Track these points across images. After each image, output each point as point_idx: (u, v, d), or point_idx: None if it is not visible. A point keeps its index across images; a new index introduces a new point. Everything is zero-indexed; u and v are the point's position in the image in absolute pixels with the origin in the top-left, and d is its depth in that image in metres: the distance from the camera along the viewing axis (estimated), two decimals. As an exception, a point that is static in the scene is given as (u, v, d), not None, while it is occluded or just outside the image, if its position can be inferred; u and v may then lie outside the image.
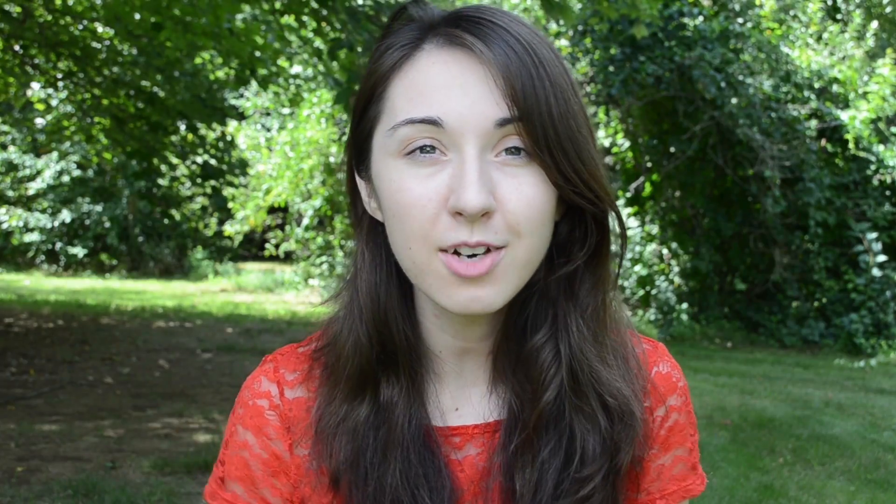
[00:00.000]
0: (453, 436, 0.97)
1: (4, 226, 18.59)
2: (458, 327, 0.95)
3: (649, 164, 12.04)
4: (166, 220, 19.85)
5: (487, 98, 0.83)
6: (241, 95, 17.15)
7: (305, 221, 15.66)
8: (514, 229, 0.85)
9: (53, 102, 10.81)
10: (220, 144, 11.64)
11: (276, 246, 17.28)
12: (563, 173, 0.85)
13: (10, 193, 19.03)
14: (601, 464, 0.93)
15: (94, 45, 8.36)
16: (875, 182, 10.93)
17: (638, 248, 11.92)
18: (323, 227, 15.94)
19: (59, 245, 19.03)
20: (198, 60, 9.11)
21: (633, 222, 11.94)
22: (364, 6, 5.82)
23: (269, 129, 17.85)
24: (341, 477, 0.94)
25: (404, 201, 0.85)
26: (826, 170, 10.95)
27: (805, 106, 10.93)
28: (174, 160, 11.28)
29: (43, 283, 16.28)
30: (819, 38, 12.18)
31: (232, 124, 15.47)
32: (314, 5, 6.17)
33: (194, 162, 11.09)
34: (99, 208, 18.93)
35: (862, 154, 10.73)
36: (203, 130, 10.58)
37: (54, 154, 18.20)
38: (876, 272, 10.45)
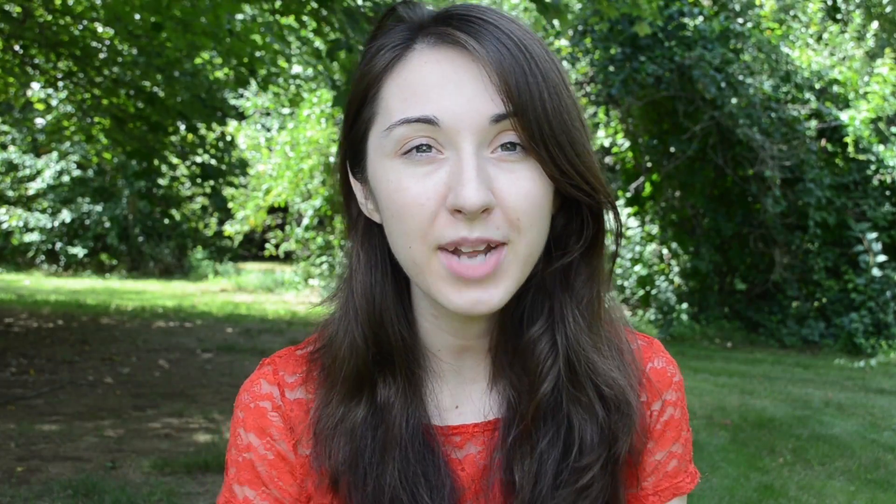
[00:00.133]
0: (454, 435, 0.98)
1: (4, 226, 18.59)
2: (457, 326, 0.95)
3: (649, 164, 12.04)
4: (166, 220, 19.85)
5: (482, 94, 0.83)
6: (241, 95, 17.14)
7: (305, 221, 15.66)
8: (514, 224, 0.85)
9: (53, 102, 10.81)
10: (220, 144, 11.65)
11: (276, 246, 17.28)
12: (559, 166, 0.86)
13: (10, 193, 19.03)
14: (599, 453, 0.93)
15: (94, 45, 8.36)
16: (875, 182, 10.93)
17: (638, 248, 11.92)
18: (323, 227, 15.94)
19: (59, 245, 19.03)
20: (197, 61, 9.11)
21: (633, 222, 11.94)
22: (363, 7, 5.82)
23: (269, 129, 17.85)
24: (340, 478, 0.94)
25: (403, 201, 0.85)
26: (826, 170, 10.95)
27: (805, 106, 10.93)
28: (174, 160, 11.29)
29: (43, 283, 16.28)
30: (819, 39, 12.18)
31: (232, 124, 15.48)
32: (314, 5, 6.17)
33: (194, 162, 11.10)
34: (99, 208, 18.93)
35: (861, 157, 10.73)
36: (203, 130, 10.58)
37: (54, 154, 18.21)
38: (876, 272, 10.46)
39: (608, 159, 12.51)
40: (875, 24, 13.39)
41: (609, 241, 0.97)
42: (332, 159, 15.22)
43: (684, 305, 11.73)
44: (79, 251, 18.91)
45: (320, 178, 15.17)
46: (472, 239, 0.84)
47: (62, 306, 12.20)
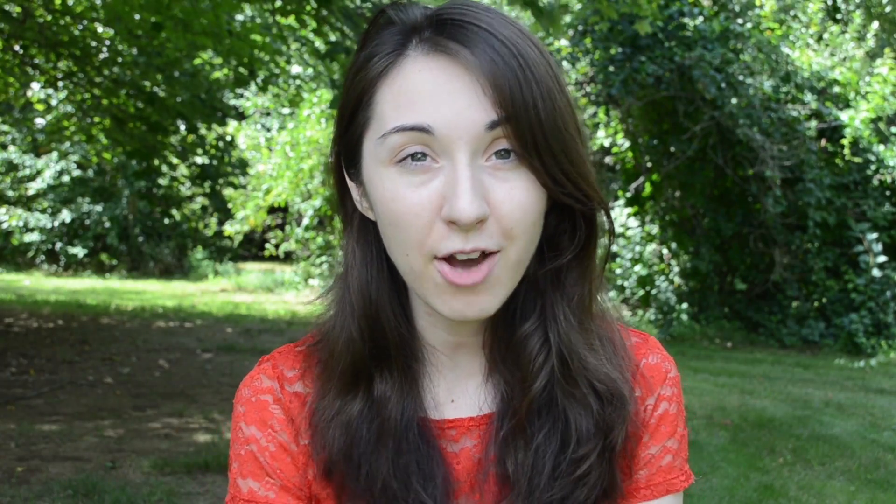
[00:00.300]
0: (449, 428, 0.99)
1: (4, 226, 18.59)
2: (452, 324, 0.96)
3: (649, 164, 12.04)
4: (166, 220, 19.85)
5: (475, 104, 0.83)
6: (241, 95, 17.15)
7: (305, 221, 15.66)
8: (508, 234, 0.86)
9: (53, 102, 10.82)
10: (220, 144, 11.65)
11: (276, 246, 17.28)
12: (552, 175, 0.87)
13: (10, 193, 19.03)
14: (596, 443, 0.94)
15: (94, 45, 8.36)
16: (875, 182, 10.93)
17: (638, 248, 11.92)
18: (323, 227, 15.94)
19: (59, 245, 19.03)
20: (197, 61, 9.12)
21: (633, 222, 11.94)
22: (362, 8, 5.82)
23: (269, 129, 17.85)
24: (334, 468, 0.95)
25: (399, 210, 0.86)
26: (826, 170, 10.95)
27: (805, 106, 10.94)
28: (174, 160, 11.29)
29: (43, 283, 16.28)
30: (819, 39, 12.18)
31: (232, 124, 15.48)
32: (313, 5, 6.17)
33: (193, 163, 11.11)
34: (99, 208, 18.93)
35: (857, 159, 10.73)
36: (203, 130, 10.58)
37: (54, 154, 18.21)
38: (876, 272, 10.46)
39: (608, 159, 12.51)
40: (875, 25, 13.39)
41: (602, 239, 0.98)
42: (331, 158, 15.12)
43: (684, 305, 11.73)
44: (79, 251, 18.91)
45: (320, 178, 15.18)
46: (468, 249, 0.85)
47: (62, 306, 12.20)
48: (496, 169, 0.86)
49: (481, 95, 0.83)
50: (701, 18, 10.82)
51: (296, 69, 11.91)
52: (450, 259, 0.86)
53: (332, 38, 6.75)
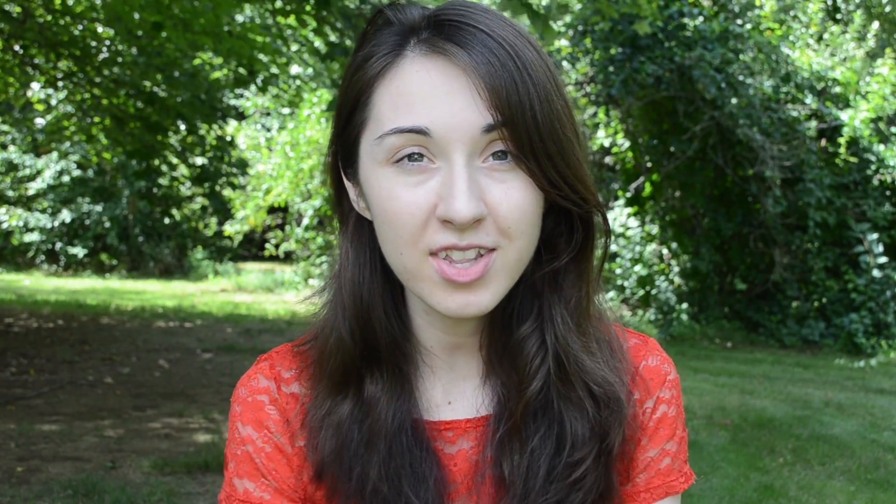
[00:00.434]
0: (446, 430, 0.98)
1: (4, 226, 18.59)
2: (449, 324, 0.96)
3: (649, 164, 12.04)
4: (166, 220, 19.85)
5: (472, 106, 0.83)
6: (241, 95, 17.15)
7: (305, 221, 15.66)
8: (505, 233, 0.86)
9: (53, 102, 10.82)
10: (219, 144, 11.65)
11: (276, 246, 17.28)
12: (549, 178, 0.87)
13: (10, 193, 19.03)
14: (592, 447, 0.94)
15: (94, 45, 8.36)
16: (875, 182, 10.93)
17: (638, 248, 11.92)
18: (323, 227, 15.94)
19: (59, 245, 19.03)
20: (197, 61, 9.12)
21: (633, 222, 11.93)
22: (362, 8, 5.82)
23: (269, 129, 17.86)
24: (326, 469, 0.95)
25: (394, 209, 0.86)
26: (826, 170, 10.95)
27: (805, 106, 10.94)
28: (174, 160, 11.29)
29: (43, 283, 16.28)
30: (819, 39, 12.18)
31: (232, 124, 15.48)
32: (313, 4, 6.17)
33: (193, 164, 11.10)
34: (99, 208, 18.93)
35: (853, 159, 10.74)
36: (203, 131, 10.58)
37: (54, 154, 18.21)
38: (876, 272, 10.46)
39: (608, 159, 12.51)
40: (875, 25, 13.39)
41: (600, 241, 0.97)
42: (328, 158, 15.09)
43: (684, 305, 11.73)
44: (79, 251, 18.91)
45: (320, 178, 15.18)
46: (463, 245, 0.85)
47: (62, 306, 12.20)
48: (493, 170, 0.86)
49: (478, 98, 0.83)
50: (701, 19, 10.82)
51: (295, 69, 11.91)
52: (445, 257, 0.86)
53: (332, 37, 6.75)
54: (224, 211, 19.26)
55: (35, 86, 10.34)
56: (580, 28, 11.48)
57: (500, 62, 0.83)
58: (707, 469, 4.92)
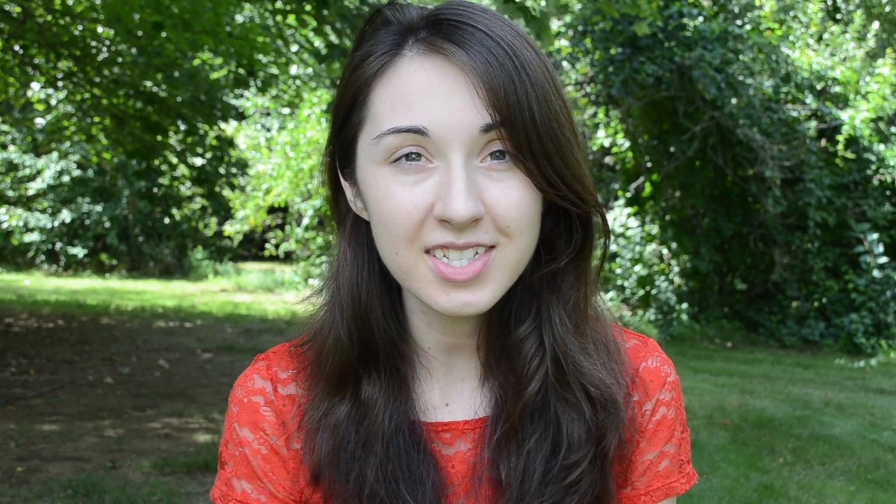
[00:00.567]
0: (443, 431, 0.98)
1: (4, 226, 18.58)
2: (447, 324, 0.96)
3: (649, 164, 12.04)
4: (166, 220, 19.85)
5: (470, 106, 0.83)
6: (241, 95, 17.15)
7: (305, 221, 15.66)
8: (504, 231, 0.86)
9: (53, 102, 10.81)
10: (219, 144, 11.64)
11: (276, 246, 17.28)
12: (547, 178, 0.86)
13: (10, 193, 19.03)
14: (588, 449, 0.94)
15: (94, 45, 8.36)
16: (875, 182, 10.93)
17: (638, 248, 11.91)
18: (323, 227, 15.93)
19: (59, 245, 19.03)
20: (196, 62, 9.12)
21: (633, 222, 11.93)
22: (361, 9, 5.82)
23: (269, 129, 17.85)
24: (323, 472, 0.95)
25: (390, 208, 0.85)
26: (826, 170, 10.95)
27: (805, 106, 10.94)
28: (174, 160, 11.29)
29: (43, 283, 16.28)
30: (819, 39, 12.18)
31: (232, 125, 15.47)
32: (312, 4, 6.17)
33: (192, 165, 11.09)
34: (99, 208, 18.93)
35: (851, 156, 10.73)
36: (203, 130, 10.58)
37: (54, 154, 18.21)
38: (876, 273, 10.45)
39: (608, 159, 12.51)
40: (876, 25, 13.39)
41: (599, 242, 0.97)
42: (326, 158, 15.07)
43: (684, 305, 11.73)
44: (79, 251, 18.90)
45: (320, 178, 15.13)
46: (460, 244, 0.84)
47: (62, 306, 12.20)
48: (491, 169, 0.85)
49: (476, 97, 0.83)
50: (701, 19, 10.82)
51: (295, 69, 11.91)
52: (443, 256, 0.86)
53: (332, 37, 6.75)
54: (225, 211, 19.25)
55: (35, 86, 10.34)
56: (580, 28, 11.47)
57: (498, 62, 0.83)
58: (707, 469, 4.91)
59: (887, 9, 16.09)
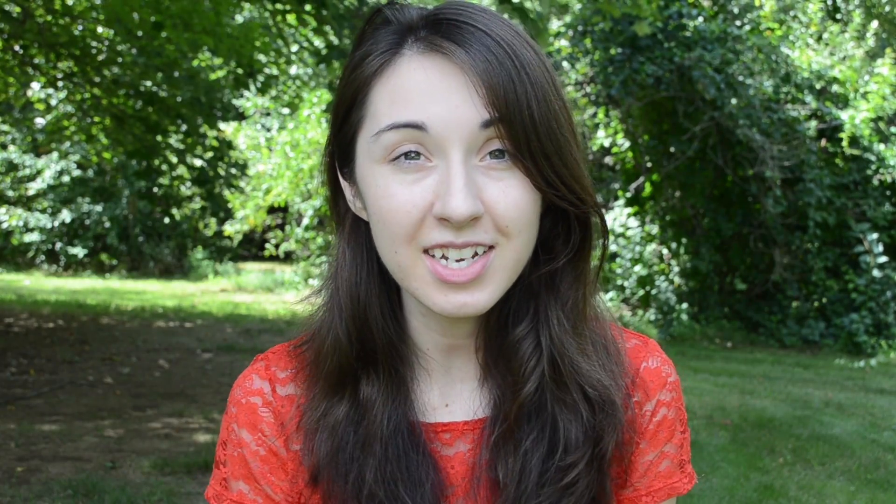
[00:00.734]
0: (443, 432, 0.98)
1: (4, 226, 18.58)
2: (445, 325, 0.96)
3: (649, 164, 12.04)
4: (166, 220, 19.84)
5: (469, 103, 0.83)
6: (242, 95, 17.15)
7: (305, 221, 15.66)
8: (503, 231, 0.86)
9: (53, 102, 10.81)
10: (219, 145, 11.63)
11: (276, 246, 17.28)
12: (546, 177, 0.86)
13: (10, 193, 19.02)
14: (584, 451, 0.93)
15: (94, 45, 8.36)
16: (875, 182, 10.94)
17: (638, 248, 11.92)
18: (323, 227, 15.92)
19: (59, 245, 19.02)
20: (196, 62, 9.12)
21: (633, 222, 11.93)
22: (361, 10, 5.82)
23: (269, 130, 17.85)
24: (321, 472, 0.94)
25: (389, 207, 0.85)
26: (826, 170, 10.95)
27: (805, 106, 10.94)
28: (174, 160, 11.29)
29: (43, 283, 16.28)
30: (819, 39, 12.18)
31: (232, 125, 15.47)
32: (311, 6, 6.17)
33: (192, 166, 11.09)
34: (99, 208, 18.92)
35: (856, 152, 10.73)
36: (203, 129, 10.58)
37: (54, 154, 18.21)
38: (876, 272, 10.46)
39: (608, 159, 12.51)
40: (875, 24, 13.39)
41: (598, 242, 0.97)
42: (325, 159, 15.04)
43: (684, 305, 11.73)
44: (79, 251, 18.90)
45: (320, 178, 15.13)
46: (459, 243, 0.84)
47: (62, 306, 12.20)
48: (490, 168, 0.85)
49: (475, 95, 0.83)
50: (700, 19, 10.82)
51: (294, 69, 11.91)
52: (441, 257, 0.86)
53: (332, 36, 6.75)
54: (225, 211, 19.25)
55: (35, 86, 10.34)
56: (580, 28, 11.47)
57: (497, 60, 0.83)
58: (707, 469, 4.91)
59: (887, 8, 16.09)
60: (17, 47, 8.57)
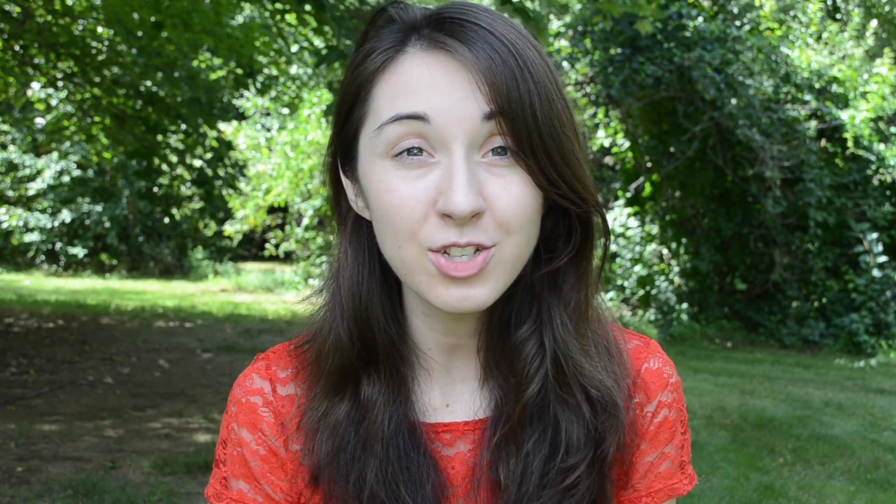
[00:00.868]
0: (444, 432, 0.98)
1: (4, 226, 18.58)
2: (447, 324, 0.96)
3: (649, 165, 12.04)
4: (166, 220, 19.85)
5: (471, 97, 0.84)
6: (242, 95, 17.16)
7: (305, 221, 15.67)
8: (505, 227, 0.86)
9: (53, 102, 10.81)
10: (218, 146, 11.63)
11: (276, 246, 17.28)
12: (547, 176, 0.86)
13: (10, 193, 19.03)
14: (586, 453, 0.93)
15: (94, 45, 8.36)
16: (875, 182, 10.94)
17: (638, 248, 11.92)
18: (323, 227, 15.93)
19: (59, 245, 19.03)
20: (195, 63, 9.12)
21: (633, 222, 11.93)
22: (361, 9, 5.82)
23: (269, 130, 17.86)
24: (322, 473, 0.94)
25: (392, 203, 0.85)
26: (826, 170, 10.95)
27: (805, 106, 10.94)
28: (174, 159, 11.28)
29: (43, 283, 16.28)
30: (819, 38, 12.18)
31: (232, 125, 15.46)
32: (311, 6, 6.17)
33: (191, 166, 11.09)
34: (99, 208, 18.93)
35: (861, 152, 10.73)
36: (203, 129, 10.57)
37: (54, 154, 18.20)
38: (876, 272, 10.46)
39: (608, 159, 12.51)
40: (874, 23, 13.39)
41: (599, 243, 0.97)
42: (328, 158, 15.06)
43: (684, 305, 11.73)
44: (79, 251, 18.90)
45: (320, 178, 15.17)
46: (462, 243, 0.84)
47: (62, 306, 12.20)
48: (492, 165, 0.86)
49: (478, 91, 0.83)
50: (700, 19, 10.82)
51: (294, 69, 11.91)
52: (444, 254, 0.86)
53: (331, 35, 6.75)
54: (224, 211, 19.24)
55: (35, 86, 10.34)
56: (580, 28, 11.48)
57: (501, 59, 0.84)
58: (707, 469, 4.91)
59: (886, 8, 16.09)
60: (17, 47, 8.57)
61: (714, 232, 11.76)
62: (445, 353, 0.98)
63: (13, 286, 15.27)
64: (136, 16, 6.97)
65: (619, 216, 11.98)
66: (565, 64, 11.63)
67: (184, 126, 9.65)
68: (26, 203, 19.08)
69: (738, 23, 11.22)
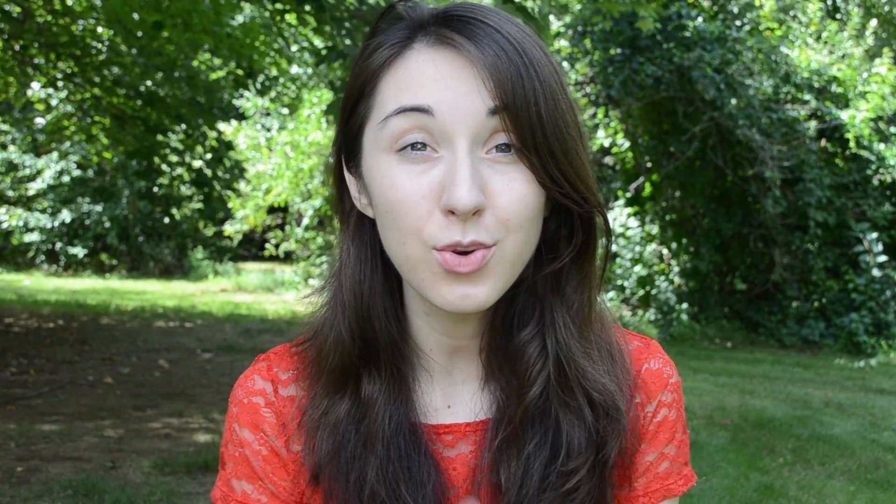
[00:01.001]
0: (445, 433, 0.98)
1: (4, 226, 18.58)
2: (449, 325, 0.95)
3: (649, 165, 12.04)
4: (166, 220, 19.85)
5: (476, 92, 0.84)
6: (241, 95, 17.16)
7: (305, 221, 15.67)
8: (506, 225, 0.85)
9: (53, 102, 10.81)
10: (217, 146, 11.62)
11: (276, 246, 17.28)
12: (550, 174, 0.86)
13: (10, 193, 19.03)
14: (587, 457, 0.93)
15: (94, 45, 8.36)
16: (875, 182, 10.94)
17: (638, 248, 11.92)
18: (323, 227, 15.94)
19: (59, 245, 19.03)
20: (195, 62, 9.11)
21: (633, 222, 11.94)
22: (360, 9, 5.82)
23: (269, 130, 17.86)
24: (322, 472, 0.94)
25: (396, 198, 0.85)
26: (826, 170, 10.95)
27: (805, 106, 10.94)
28: (174, 159, 11.28)
29: (43, 283, 16.28)
30: (818, 38, 12.19)
31: (232, 125, 15.46)
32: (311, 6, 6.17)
33: (190, 166, 11.08)
34: (99, 208, 18.93)
35: (863, 153, 10.73)
36: (204, 128, 10.57)
37: (54, 154, 18.21)
38: (876, 272, 10.46)
39: (608, 159, 12.51)
40: (874, 23, 13.39)
41: (602, 244, 0.97)
42: (331, 159, 15.06)
43: (684, 305, 11.73)
44: (79, 251, 18.91)
45: (320, 178, 15.19)
46: (466, 243, 0.84)
47: (62, 306, 12.20)
48: (495, 161, 0.86)
49: (483, 87, 0.84)
50: (700, 19, 10.83)
51: (294, 69, 11.91)
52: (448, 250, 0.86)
53: (331, 36, 6.75)
54: (224, 211, 19.23)
55: (35, 86, 10.33)
56: (580, 28, 11.48)
57: (507, 56, 0.84)
58: (707, 469, 4.92)
59: (886, 8, 16.09)
60: (17, 47, 8.57)
61: (714, 232, 11.76)
62: (447, 354, 0.98)
63: (13, 286, 15.27)
64: (136, 16, 6.97)
65: (619, 216, 11.98)
66: (565, 64, 11.63)
67: (184, 126, 9.64)
68: (26, 203, 19.08)
69: (737, 23, 11.22)
